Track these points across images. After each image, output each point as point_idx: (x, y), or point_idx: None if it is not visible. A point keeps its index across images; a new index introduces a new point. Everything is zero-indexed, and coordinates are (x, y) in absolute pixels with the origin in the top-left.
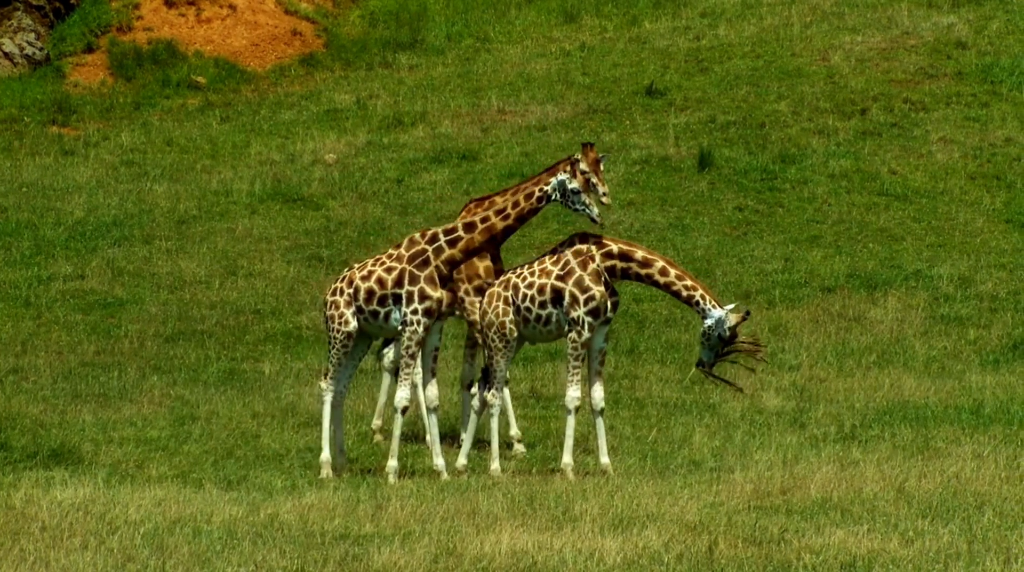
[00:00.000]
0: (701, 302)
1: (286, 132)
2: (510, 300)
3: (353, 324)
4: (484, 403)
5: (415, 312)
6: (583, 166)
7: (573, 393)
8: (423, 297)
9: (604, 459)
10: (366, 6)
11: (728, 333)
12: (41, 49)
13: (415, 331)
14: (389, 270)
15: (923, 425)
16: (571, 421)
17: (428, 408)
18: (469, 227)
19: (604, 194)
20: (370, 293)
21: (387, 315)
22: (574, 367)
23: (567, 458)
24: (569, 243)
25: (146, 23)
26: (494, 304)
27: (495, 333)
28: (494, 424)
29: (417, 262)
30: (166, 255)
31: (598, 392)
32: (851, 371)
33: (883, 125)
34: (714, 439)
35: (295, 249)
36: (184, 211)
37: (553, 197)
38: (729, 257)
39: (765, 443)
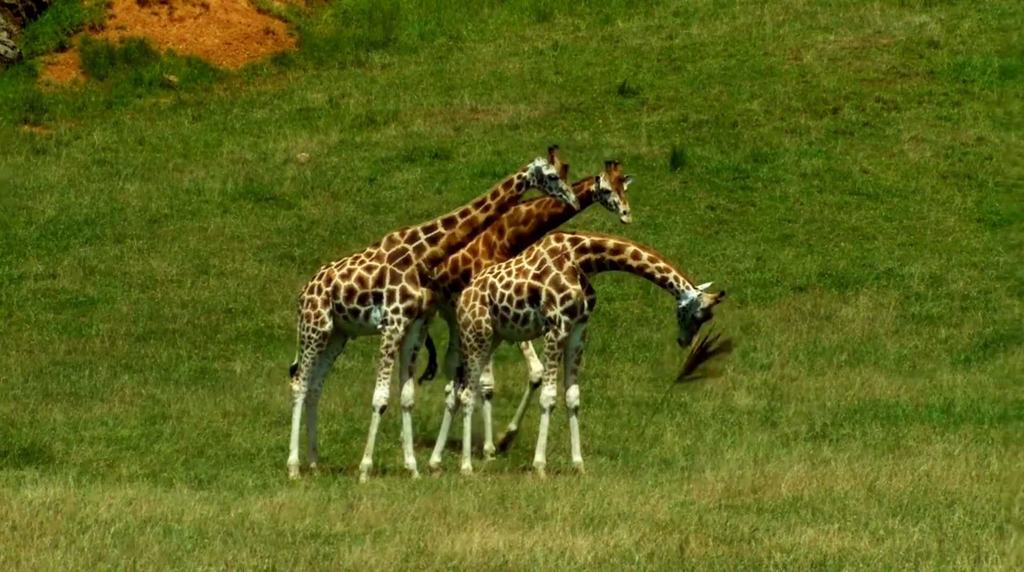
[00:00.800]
0: (675, 283)
1: (258, 131)
2: (487, 300)
3: (330, 323)
4: (459, 402)
5: (396, 311)
6: (605, 185)
7: (548, 392)
8: (404, 296)
9: (576, 457)
10: (339, 5)
11: (702, 313)
12: (13, 48)
13: (395, 330)
14: (369, 269)
15: (894, 424)
16: (545, 420)
17: (403, 407)
18: (449, 222)
19: (625, 213)
20: (350, 291)
21: (367, 314)
22: (551, 366)
23: (540, 457)
24: (544, 242)
25: (118, 22)
26: (471, 303)
27: (471, 332)
28: (467, 423)
29: (398, 261)
30: (138, 254)
31: (573, 391)
32: (822, 370)
33: (855, 124)
34: (685, 438)
35: (267, 248)
36: (156, 210)
37: (531, 182)
38: (701, 256)
39: (736, 442)
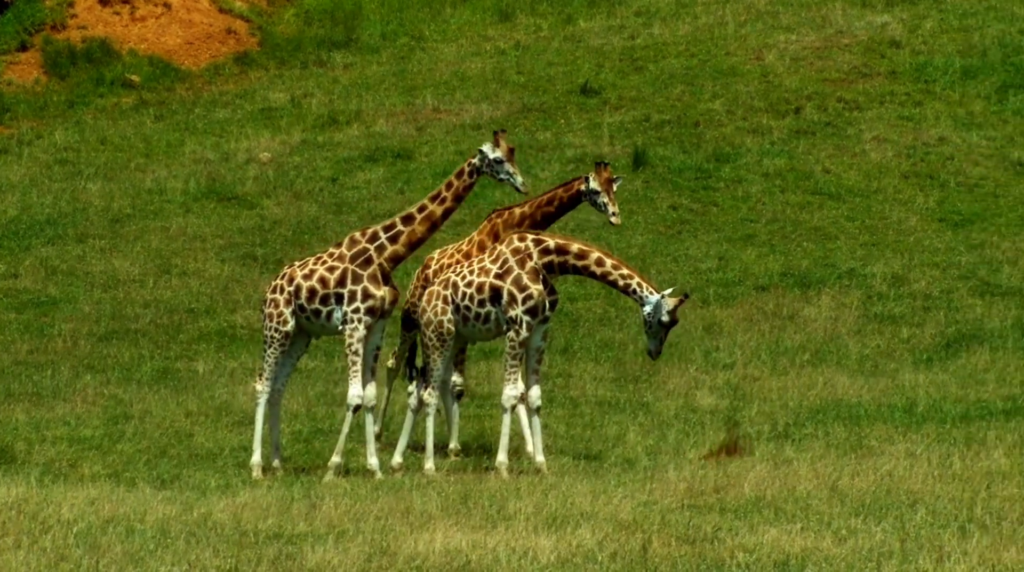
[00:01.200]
0: (638, 290)
1: (220, 131)
2: (449, 299)
3: (292, 323)
4: (421, 402)
5: (357, 311)
6: (594, 185)
7: (510, 392)
8: (366, 296)
9: (539, 457)
10: (300, 5)
11: (668, 317)
12: None
13: (356, 329)
14: (331, 269)
15: (856, 424)
16: (507, 420)
17: (365, 408)
18: (407, 219)
19: (614, 214)
20: (312, 292)
21: (329, 314)
22: (512, 366)
23: (502, 456)
24: (507, 241)
25: (80, 21)
26: (433, 302)
27: (433, 332)
28: (429, 423)
29: (359, 261)
30: (100, 254)
31: (535, 391)
32: (785, 370)
33: (817, 124)
34: (648, 437)
35: (229, 248)
36: (118, 210)
37: (482, 168)
38: (663, 256)
39: (699, 442)
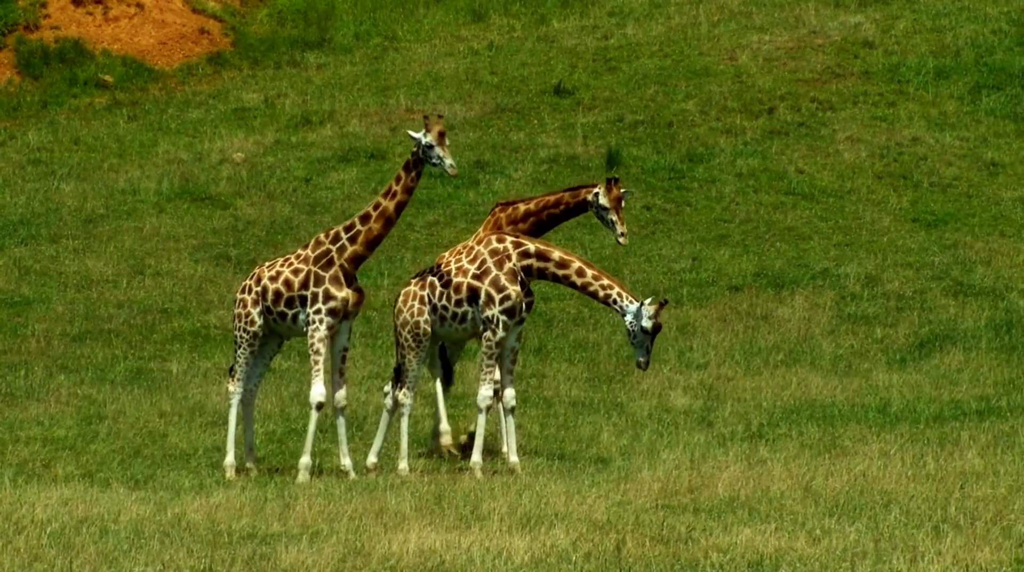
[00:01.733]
0: (619, 300)
1: (194, 131)
2: (426, 299)
3: (259, 323)
4: (396, 402)
5: (318, 312)
6: (603, 201)
7: (485, 392)
8: (327, 297)
9: (513, 457)
10: (274, 5)
11: (651, 324)
12: None
13: (317, 329)
14: (296, 272)
15: (830, 424)
16: (482, 420)
17: (336, 408)
18: (364, 218)
19: (622, 234)
20: (277, 294)
21: (295, 317)
22: (488, 366)
23: (476, 457)
24: (485, 242)
25: (53, 21)
26: (409, 303)
27: (409, 332)
28: (404, 423)
29: (322, 263)
30: (73, 254)
31: (509, 392)
32: (758, 370)
33: (790, 124)
34: (622, 438)
35: (203, 248)
36: (91, 210)
37: (421, 157)
38: (637, 256)
39: (673, 442)
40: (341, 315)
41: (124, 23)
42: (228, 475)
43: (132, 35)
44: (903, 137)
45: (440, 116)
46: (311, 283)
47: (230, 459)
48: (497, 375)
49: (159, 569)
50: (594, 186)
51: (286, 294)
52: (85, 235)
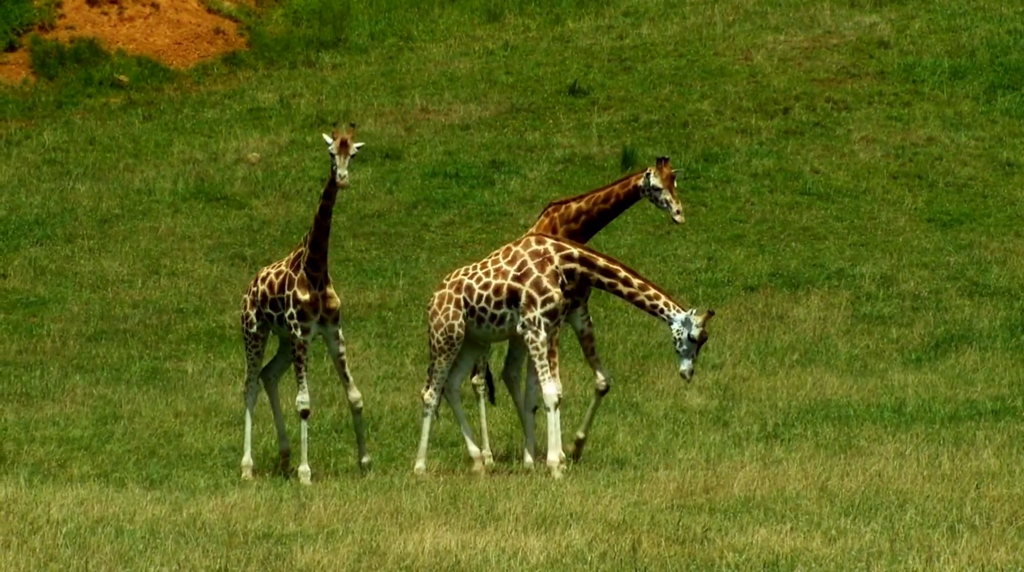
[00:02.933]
0: (665, 309)
1: (209, 131)
2: (462, 303)
3: (257, 325)
4: (448, 389)
5: (291, 317)
6: (655, 182)
7: (548, 390)
8: (295, 301)
9: (529, 458)
10: (289, 5)
11: (699, 334)
12: None
13: (294, 334)
14: (279, 274)
15: (845, 424)
16: (552, 417)
17: (352, 409)
18: (314, 221)
19: (678, 212)
20: (263, 296)
21: (280, 319)
22: (541, 366)
23: (552, 456)
24: (524, 243)
25: (68, 21)
26: (444, 306)
27: (442, 335)
28: (426, 423)
29: (295, 265)
30: (88, 254)
31: (533, 391)
32: (774, 370)
33: (806, 124)
34: (637, 438)
35: (218, 248)
36: (107, 210)
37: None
38: (652, 256)
39: (688, 442)
40: (312, 319)
41: (139, 23)
42: (244, 475)
43: (147, 35)
44: (918, 137)
45: (352, 125)
46: (286, 286)
47: (247, 458)
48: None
49: (174, 569)
50: (642, 172)
51: (270, 296)
52: (100, 235)
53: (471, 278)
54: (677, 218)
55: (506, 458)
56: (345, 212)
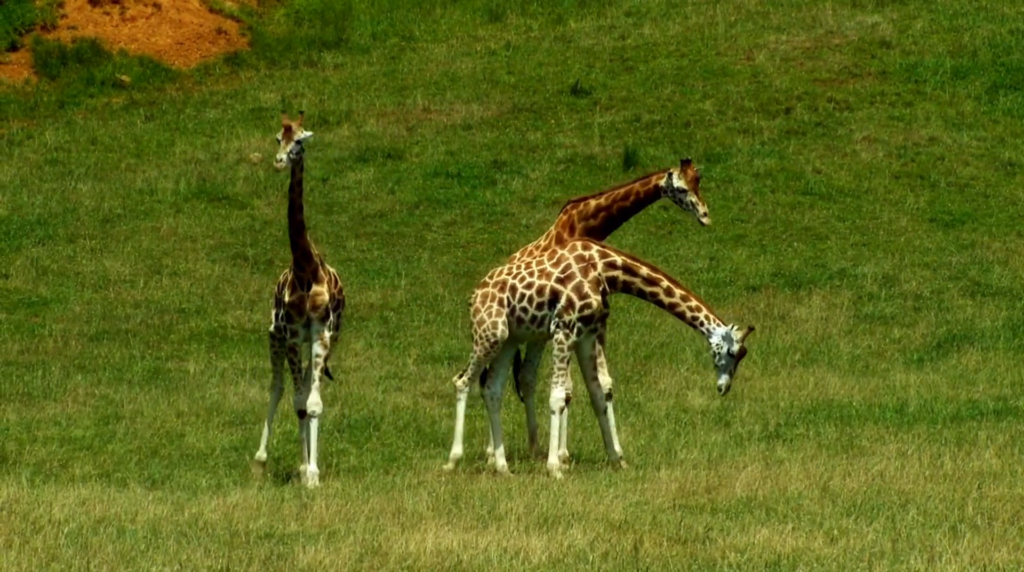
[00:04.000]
0: (705, 322)
1: (211, 131)
2: (505, 302)
3: (274, 324)
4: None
5: (280, 318)
6: (680, 183)
7: (558, 394)
8: (280, 303)
9: (553, 458)
10: (291, 5)
11: (739, 348)
12: None
13: (281, 338)
14: (285, 274)
15: (847, 424)
16: (555, 421)
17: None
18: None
19: (704, 214)
20: (275, 296)
21: (276, 317)
22: (560, 369)
23: (553, 458)
24: (571, 247)
25: (70, 22)
26: (488, 304)
27: (485, 332)
28: (460, 408)
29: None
30: (90, 254)
31: (605, 379)
32: (776, 370)
33: (807, 124)
34: (639, 438)
35: (220, 248)
36: (108, 210)
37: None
38: (654, 256)
39: (690, 442)
40: (298, 321)
41: (141, 23)
42: (254, 470)
43: (149, 35)
44: (920, 137)
45: (301, 112)
46: (284, 286)
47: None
48: (568, 378)
49: (176, 569)
50: (664, 171)
51: (276, 295)
52: (102, 235)
53: (515, 278)
54: (704, 221)
55: (508, 458)
56: (347, 212)
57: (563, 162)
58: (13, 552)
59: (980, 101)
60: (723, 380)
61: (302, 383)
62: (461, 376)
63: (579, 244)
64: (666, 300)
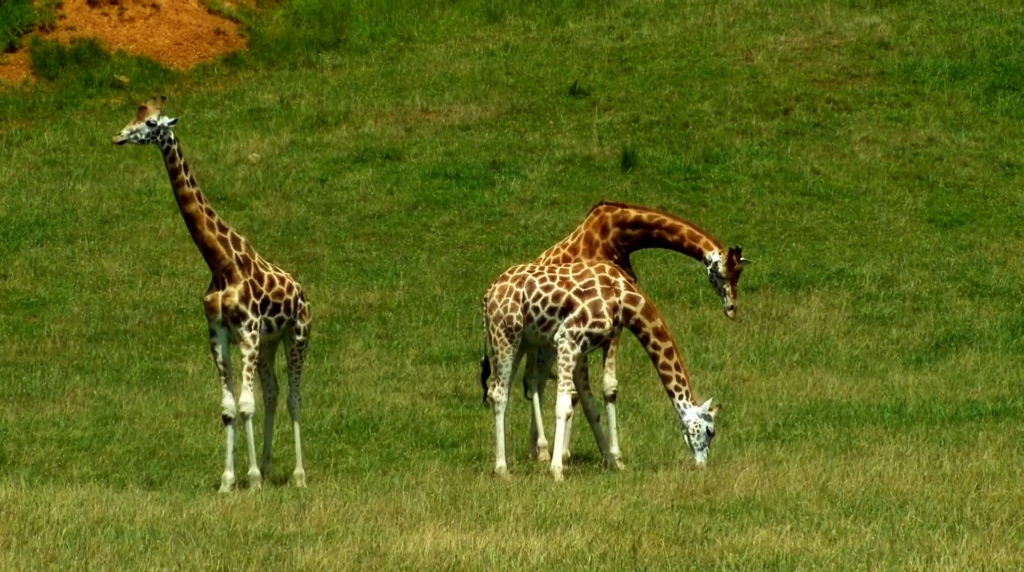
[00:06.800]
0: (684, 398)
1: (209, 131)
2: (521, 297)
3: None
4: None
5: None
6: (722, 270)
7: (564, 401)
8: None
9: (556, 461)
10: (289, 5)
11: (712, 425)
12: None
13: (246, 345)
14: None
15: (846, 424)
16: (560, 426)
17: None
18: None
19: (732, 307)
20: None
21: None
22: (565, 377)
23: (556, 462)
24: (598, 268)
25: (69, 22)
26: (504, 298)
27: (502, 327)
28: (499, 421)
29: None
30: (89, 255)
31: (609, 379)
32: (774, 370)
33: (806, 125)
34: (638, 438)
35: None
36: (107, 210)
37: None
38: (653, 257)
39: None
40: (214, 321)
41: (139, 24)
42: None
43: (147, 36)
44: (919, 138)
45: (164, 98)
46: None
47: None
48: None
49: (175, 570)
50: (717, 244)
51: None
52: (101, 236)
53: (535, 276)
54: (729, 314)
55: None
56: (345, 212)
57: (561, 163)
58: (11, 553)
59: (978, 102)
60: (700, 458)
61: (227, 385)
62: (495, 385)
63: (608, 267)
64: (660, 358)
